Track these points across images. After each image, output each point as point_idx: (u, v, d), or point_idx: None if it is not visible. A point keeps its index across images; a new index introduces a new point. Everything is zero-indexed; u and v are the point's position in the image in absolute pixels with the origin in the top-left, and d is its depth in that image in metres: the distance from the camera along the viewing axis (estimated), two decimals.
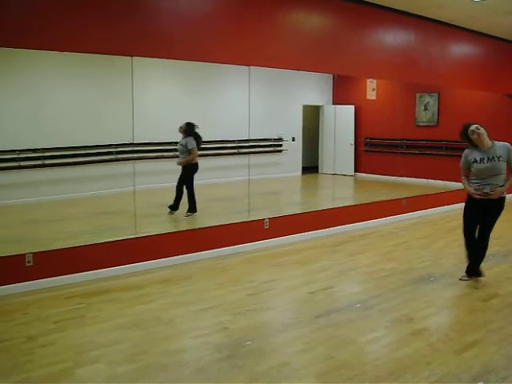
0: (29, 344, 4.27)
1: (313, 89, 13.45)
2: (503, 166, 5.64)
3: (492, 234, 5.84)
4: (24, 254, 5.58)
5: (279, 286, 5.83)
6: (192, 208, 8.43)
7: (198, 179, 8.54)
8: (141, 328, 4.62)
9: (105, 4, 5.90)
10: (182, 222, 8.34)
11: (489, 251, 5.96)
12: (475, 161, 5.66)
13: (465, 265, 6.03)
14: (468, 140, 5.73)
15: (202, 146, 8.86)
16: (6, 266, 5.48)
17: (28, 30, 5.36)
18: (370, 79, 10.85)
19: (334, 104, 13.52)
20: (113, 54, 6.05)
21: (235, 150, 11.29)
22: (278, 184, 12.22)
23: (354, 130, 13.63)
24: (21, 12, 5.31)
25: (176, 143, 8.65)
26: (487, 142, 5.66)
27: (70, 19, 5.62)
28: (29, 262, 5.58)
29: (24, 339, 4.36)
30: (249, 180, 8.02)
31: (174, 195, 8.50)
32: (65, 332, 4.52)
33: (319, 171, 13.77)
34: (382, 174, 12.58)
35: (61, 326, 4.63)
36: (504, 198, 5.73)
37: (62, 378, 3.72)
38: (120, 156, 9.60)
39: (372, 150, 13.37)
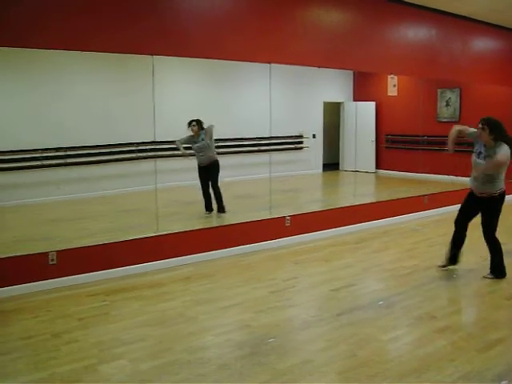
0: (53, 341, 4.32)
1: (333, 85, 13.42)
2: None
3: None
4: (47, 252, 5.65)
5: (301, 284, 5.83)
6: (223, 207, 8.48)
7: (220, 177, 8.55)
8: (164, 325, 4.65)
9: (125, 3, 5.94)
10: (204, 219, 8.36)
11: None
12: None
13: (488, 261, 5.98)
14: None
15: (224, 143, 8.85)
16: (29, 264, 5.55)
17: (44, 30, 5.43)
18: (391, 75, 10.78)
19: (354, 101, 13.49)
20: (133, 53, 6.10)
21: (256, 148, 11.30)
22: (298, 181, 12.21)
23: (375, 126, 13.56)
24: (38, 10, 5.37)
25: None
26: None
27: (91, 19, 5.68)
28: (52, 260, 5.64)
29: (49, 336, 4.41)
30: (270, 177, 8.02)
31: (195, 193, 8.51)
32: (89, 329, 4.56)
33: (340, 168, 13.72)
34: (403, 171, 12.50)
35: (85, 323, 4.68)
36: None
37: (85, 375, 3.76)
38: (141, 154, 9.66)
39: (393, 147, 13.29)
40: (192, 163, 8.55)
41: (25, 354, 4.12)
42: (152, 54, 6.21)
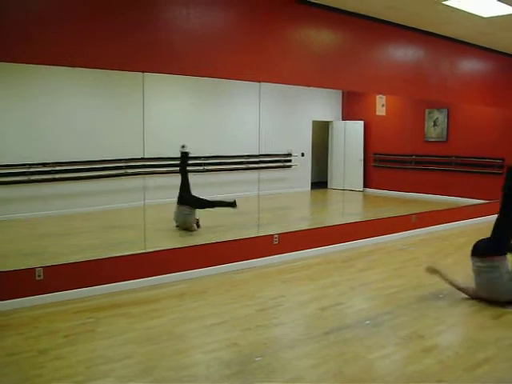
0: (39, 358, 4.28)
1: (322, 105, 13.47)
2: None
3: None
4: (34, 268, 5.61)
5: (289, 302, 5.82)
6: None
7: (209, 194, 8.55)
8: (151, 343, 4.63)
9: (116, 20, 5.97)
10: (192, 236, 8.34)
11: None
12: None
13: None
14: None
15: (213, 161, 8.86)
16: (16, 280, 5.51)
17: (32, 44, 5.44)
18: (380, 95, 10.87)
19: (343, 120, 13.54)
20: (123, 70, 6.11)
21: (245, 165, 11.30)
22: (287, 199, 12.22)
23: (364, 145, 13.62)
24: (26, 25, 5.38)
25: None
26: None
27: (80, 34, 5.70)
28: (39, 275, 5.60)
29: (35, 353, 4.37)
30: (258, 195, 8.03)
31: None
32: (75, 346, 4.52)
33: (328, 186, 13.73)
34: (391, 190, 12.55)
35: (71, 340, 4.64)
36: None
37: None
38: (130, 171, 9.63)
39: (381, 166, 13.35)
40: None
41: (10, 370, 4.07)
42: (142, 71, 6.23)
